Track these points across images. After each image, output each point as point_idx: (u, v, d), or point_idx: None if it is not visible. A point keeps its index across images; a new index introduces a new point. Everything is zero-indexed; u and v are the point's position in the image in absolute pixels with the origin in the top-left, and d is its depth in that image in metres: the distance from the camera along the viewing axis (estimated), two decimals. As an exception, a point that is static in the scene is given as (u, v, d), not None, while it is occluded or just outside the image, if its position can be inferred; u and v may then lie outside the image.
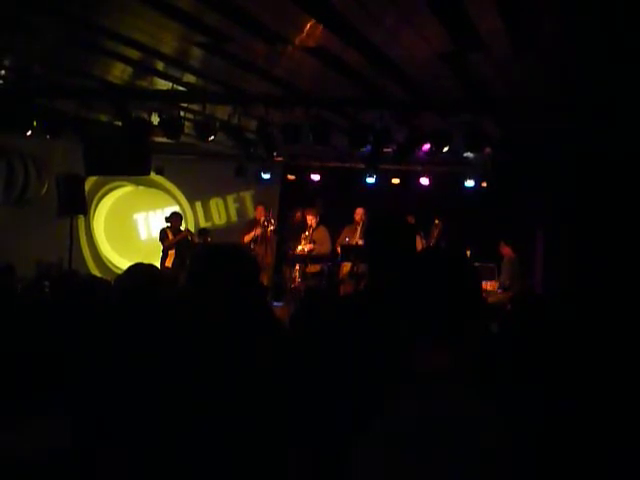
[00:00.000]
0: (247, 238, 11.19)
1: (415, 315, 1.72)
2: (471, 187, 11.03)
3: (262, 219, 11.26)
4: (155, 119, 8.29)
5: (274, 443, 2.06)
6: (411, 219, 9.07)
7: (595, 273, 8.67)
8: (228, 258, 2.38)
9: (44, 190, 10.65)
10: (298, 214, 11.35)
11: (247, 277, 2.36)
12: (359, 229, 10.70)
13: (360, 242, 10.42)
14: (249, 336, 2.29)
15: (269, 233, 11.28)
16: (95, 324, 2.83)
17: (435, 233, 10.44)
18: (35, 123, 8.31)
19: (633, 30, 4.70)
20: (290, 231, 11.52)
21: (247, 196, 13.27)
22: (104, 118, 8.94)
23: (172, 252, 11.06)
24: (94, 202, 12.32)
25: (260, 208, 11.54)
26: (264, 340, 2.43)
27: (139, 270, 2.92)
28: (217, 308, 2.26)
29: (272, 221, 11.33)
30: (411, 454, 1.54)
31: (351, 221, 10.96)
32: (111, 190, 12.65)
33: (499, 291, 10.41)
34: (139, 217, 13.19)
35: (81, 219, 11.67)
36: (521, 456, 1.59)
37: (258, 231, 11.22)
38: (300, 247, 10.92)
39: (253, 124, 8.58)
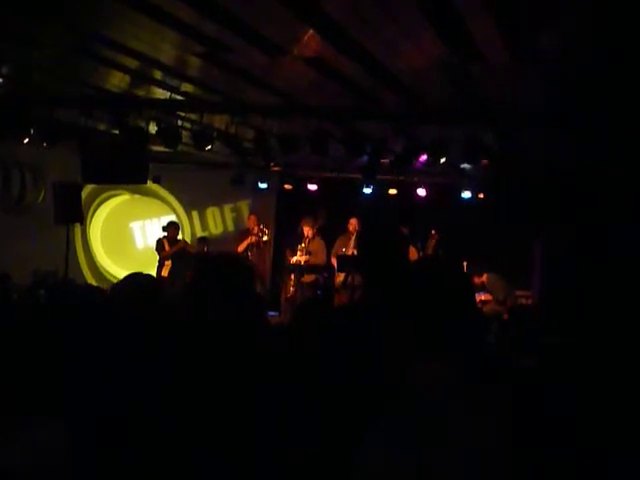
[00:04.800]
0: (241, 248, 11.18)
1: (410, 329, 1.72)
2: (468, 198, 11.05)
3: (254, 228, 11.26)
4: (153, 128, 8.30)
5: (271, 446, 2.06)
6: (405, 230, 9.08)
7: (595, 283, 8.67)
8: (224, 266, 2.39)
9: (41, 198, 10.64)
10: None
11: (243, 285, 2.36)
12: (353, 239, 10.70)
13: (355, 252, 10.42)
14: (247, 343, 2.29)
15: (261, 242, 11.27)
16: (91, 332, 2.81)
17: (432, 244, 10.44)
18: (32, 131, 8.32)
19: (634, 39, 4.71)
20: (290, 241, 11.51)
21: (244, 205, 13.26)
22: (102, 126, 8.95)
23: (168, 262, 11.05)
24: (91, 210, 12.30)
25: (252, 217, 11.55)
26: (261, 347, 2.43)
27: (138, 280, 2.91)
28: (215, 316, 2.26)
29: (265, 230, 11.32)
30: (410, 468, 1.54)
31: (345, 231, 10.96)
32: (108, 198, 12.63)
33: (495, 302, 10.41)
34: (135, 226, 13.18)
35: (77, 227, 11.65)
36: (519, 470, 1.59)
37: (252, 239, 11.21)
38: (296, 258, 10.91)
39: (250, 133, 8.59)
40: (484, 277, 10.58)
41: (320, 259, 10.90)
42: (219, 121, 8.50)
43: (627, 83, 5.80)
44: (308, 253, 10.82)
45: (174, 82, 7.04)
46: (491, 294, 10.58)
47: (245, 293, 2.35)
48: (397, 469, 1.55)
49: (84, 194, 11.01)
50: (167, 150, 8.72)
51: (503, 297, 10.42)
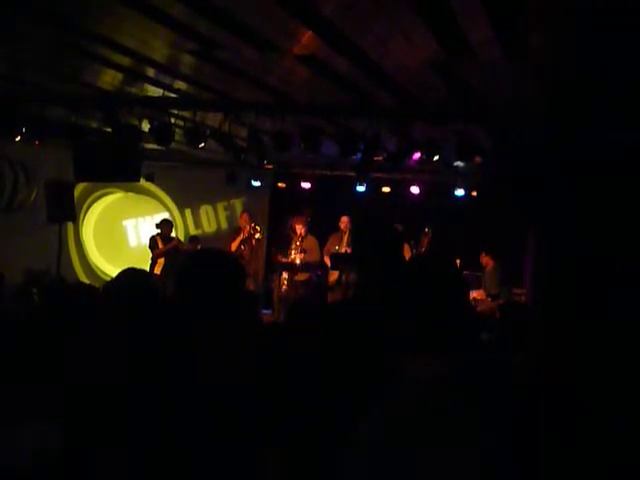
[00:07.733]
0: (234, 245, 11.18)
1: (402, 327, 1.72)
2: (461, 196, 11.08)
3: (246, 227, 11.25)
4: (145, 126, 8.27)
5: (258, 444, 2.07)
6: (399, 227, 9.08)
7: (588, 282, 8.68)
8: (213, 261, 2.39)
9: (33, 196, 10.60)
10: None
11: (232, 280, 2.35)
12: (345, 237, 10.72)
13: (348, 250, 10.44)
14: (236, 337, 2.29)
15: (254, 240, 11.26)
16: (85, 330, 2.81)
17: (425, 241, 10.46)
18: (24, 129, 8.28)
19: (627, 37, 4.72)
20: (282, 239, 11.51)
21: (237, 203, 13.26)
22: (94, 124, 8.91)
23: (161, 260, 11.04)
24: (83, 209, 12.26)
25: (244, 216, 11.52)
26: (250, 342, 2.43)
27: (133, 274, 2.91)
28: (205, 310, 2.26)
29: (257, 228, 11.31)
30: (395, 462, 1.54)
31: (337, 229, 10.96)
32: (100, 197, 12.60)
33: (488, 300, 10.42)
34: (128, 224, 13.15)
35: (70, 226, 11.62)
36: (505, 467, 1.60)
37: (244, 235, 11.19)
38: (290, 257, 10.90)
39: (244, 131, 8.58)
40: (490, 263, 10.57)
41: (314, 257, 10.90)
42: (212, 119, 8.49)
43: (622, 79, 5.81)
44: (303, 251, 10.81)
45: (167, 80, 7.02)
46: (483, 287, 10.60)
47: (235, 289, 2.34)
48: (395, 468, 1.55)
49: (76, 192, 10.98)
50: (160, 148, 8.69)
51: (494, 292, 10.46)
